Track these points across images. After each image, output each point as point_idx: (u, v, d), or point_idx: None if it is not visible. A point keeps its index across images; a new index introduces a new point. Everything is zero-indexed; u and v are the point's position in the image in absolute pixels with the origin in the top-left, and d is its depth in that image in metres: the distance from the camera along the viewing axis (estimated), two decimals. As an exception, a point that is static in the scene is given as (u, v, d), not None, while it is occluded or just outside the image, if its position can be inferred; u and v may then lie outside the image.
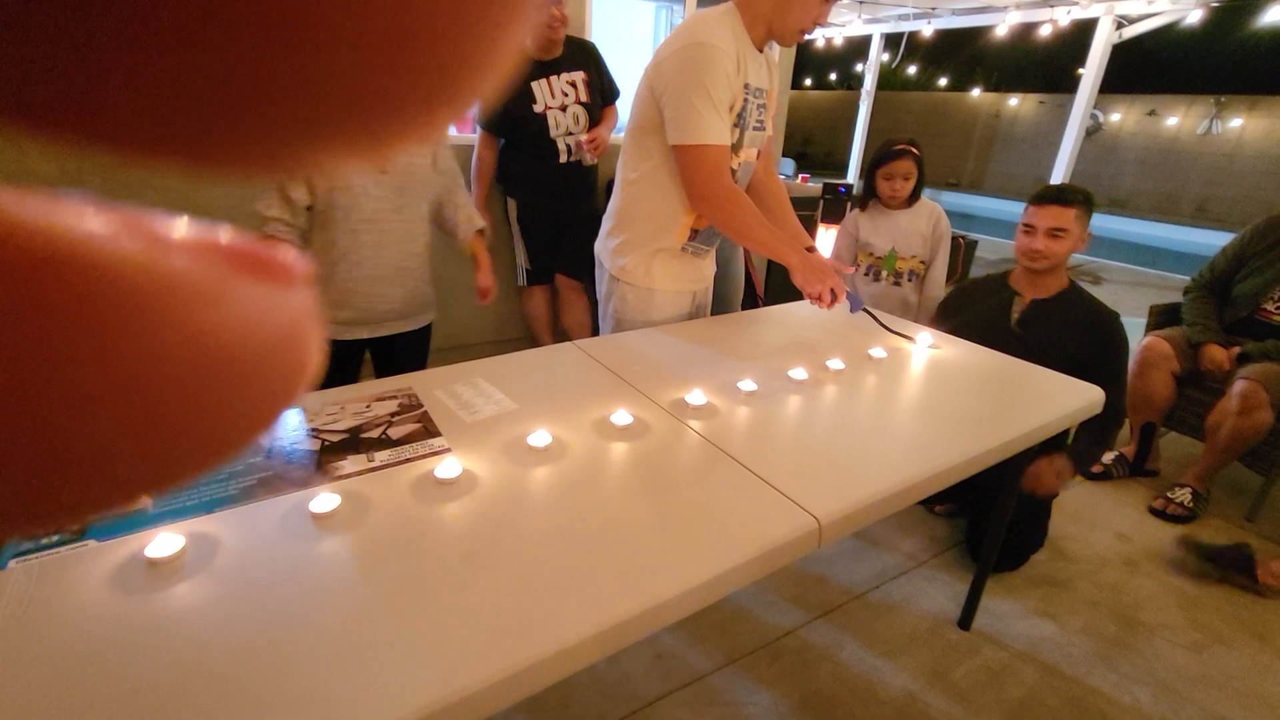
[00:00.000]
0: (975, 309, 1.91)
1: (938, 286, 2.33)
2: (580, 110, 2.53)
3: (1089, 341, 1.74)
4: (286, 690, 0.61)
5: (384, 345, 1.72)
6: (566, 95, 2.49)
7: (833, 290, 1.45)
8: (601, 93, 2.61)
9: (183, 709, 0.58)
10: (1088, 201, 1.77)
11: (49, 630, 0.66)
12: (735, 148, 1.46)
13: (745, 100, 1.42)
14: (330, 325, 1.59)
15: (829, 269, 1.46)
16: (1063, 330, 1.76)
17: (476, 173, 2.68)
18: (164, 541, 0.76)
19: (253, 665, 0.63)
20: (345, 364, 1.70)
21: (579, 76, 2.51)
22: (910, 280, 2.30)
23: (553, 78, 2.46)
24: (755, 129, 1.51)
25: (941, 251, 2.30)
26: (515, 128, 2.53)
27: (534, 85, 2.45)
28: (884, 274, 2.31)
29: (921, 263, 2.29)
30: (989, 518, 1.61)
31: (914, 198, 2.26)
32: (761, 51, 1.47)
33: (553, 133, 2.51)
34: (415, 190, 1.60)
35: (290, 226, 1.50)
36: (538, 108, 2.46)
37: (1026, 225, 1.81)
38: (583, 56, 2.55)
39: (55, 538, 0.79)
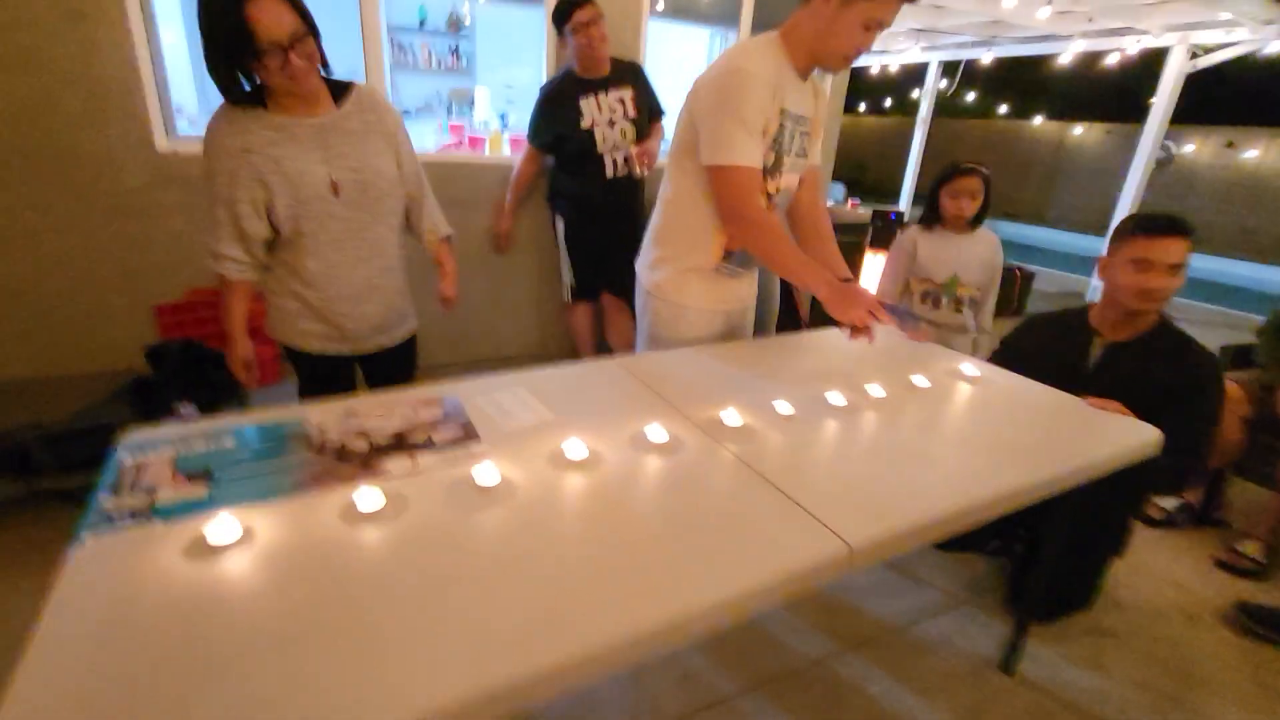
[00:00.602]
0: (1047, 348, 1.77)
1: (989, 317, 2.28)
2: (628, 125, 2.60)
3: (1176, 380, 1.55)
4: (325, 670, 0.64)
5: (370, 360, 1.67)
6: (614, 111, 2.57)
7: (874, 313, 1.38)
8: (649, 110, 2.68)
9: (231, 680, 0.62)
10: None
11: (117, 600, 0.71)
12: (771, 172, 1.47)
13: (782, 126, 1.43)
14: (310, 340, 1.56)
15: (863, 296, 1.40)
16: (1145, 373, 1.58)
17: (513, 183, 2.82)
18: (222, 525, 0.81)
19: (296, 644, 0.67)
20: (334, 377, 1.64)
21: (627, 94, 2.59)
22: (971, 307, 2.26)
23: (600, 95, 2.54)
24: (797, 156, 1.52)
25: (995, 282, 2.26)
26: (562, 144, 2.61)
27: (582, 102, 2.53)
28: (944, 300, 2.27)
29: (979, 289, 2.25)
30: (1034, 563, 1.54)
31: (978, 221, 2.22)
32: (806, 79, 1.48)
33: (600, 148, 2.57)
34: (383, 204, 1.51)
35: (242, 264, 1.43)
36: (585, 123, 2.54)
37: (1140, 260, 1.55)
38: (629, 75, 2.63)
39: (127, 516, 0.85)
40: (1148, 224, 1.57)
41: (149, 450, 1.01)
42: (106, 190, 2.33)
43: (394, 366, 1.70)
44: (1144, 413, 1.38)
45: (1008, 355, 1.83)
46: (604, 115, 2.56)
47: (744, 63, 1.36)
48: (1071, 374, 1.61)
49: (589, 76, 2.54)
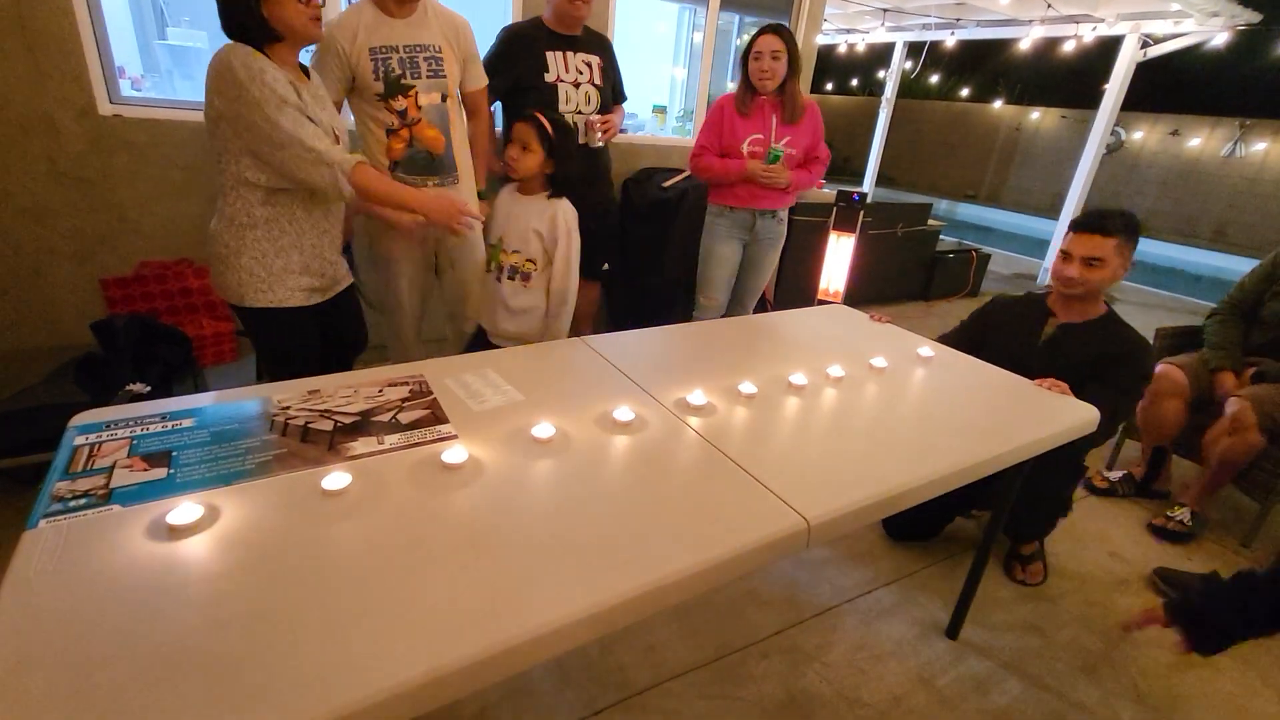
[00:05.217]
0: (1006, 323, 1.92)
1: (560, 286, 1.78)
2: (593, 90, 2.43)
3: (1109, 350, 1.71)
4: (292, 653, 0.65)
5: (333, 306, 1.73)
6: (581, 73, 2.41)
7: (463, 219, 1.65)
8: (612, 88, 2.54)
9: (194, 666, 0.62)
10: (1131, 230, 1.70)
11: (76, 587, 0.70)
12: (392, 96, 1.80)
13: (379, 60, 1.77)
14: (298, 294, 1.58)
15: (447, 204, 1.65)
16: (1088, 355, 1.72)
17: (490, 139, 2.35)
18: (184, 510, 0.80)
19: (261, 628, 0.67)
20: (309, 329, 1.65)
21: (595, 61, 2.44)
22: (513, 279, 1.77)
23: (569, 53, 2.37)
24: (430, 77, 1.86)
25: (560, 252, 1.74)
26: (518, 95, 2.33)
27: (549, 55, 2.34)
28: (492, 267, 1.83)
29: (530, 261, 1.76)
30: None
31: (553, 184, 1.75)
32: (409, 16, 1.80)
33: (562, 106, 2.37)
34: None
35: (345, 149, 1.54)
36: (549, 76, 2.34)
37: (1064, 251, 1.75)
38: (599, 45, 2.49)
39: (83, 500, 0.83)
40: (1077, 220, 1.75)
41: (104, 432, 0.99)
42: (47, 156, 2.21)
43: (349, 312, 1.82)
44: (1082, 380, 1.56)
45: (973, 328, 1.97)
46: (570, 75, 2.38)
47: (327, 29, 1.66)
48: (1024, 346, 1.81)
49: (561, 31, 2.36)
